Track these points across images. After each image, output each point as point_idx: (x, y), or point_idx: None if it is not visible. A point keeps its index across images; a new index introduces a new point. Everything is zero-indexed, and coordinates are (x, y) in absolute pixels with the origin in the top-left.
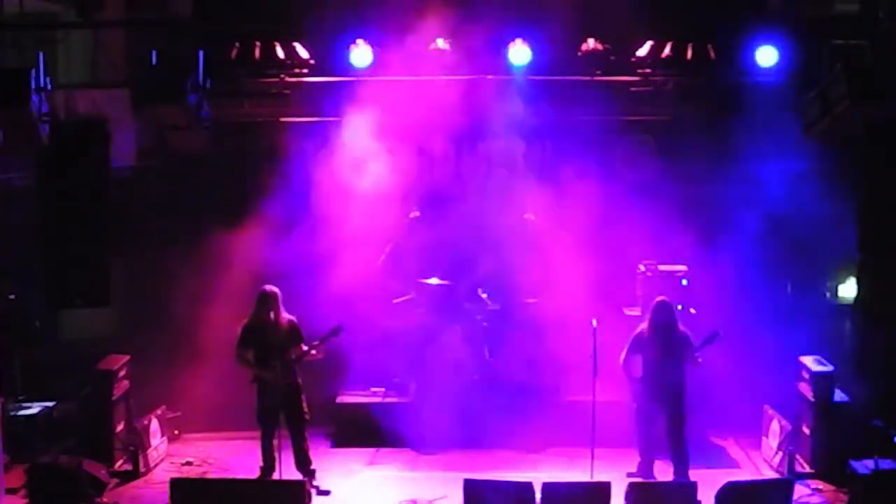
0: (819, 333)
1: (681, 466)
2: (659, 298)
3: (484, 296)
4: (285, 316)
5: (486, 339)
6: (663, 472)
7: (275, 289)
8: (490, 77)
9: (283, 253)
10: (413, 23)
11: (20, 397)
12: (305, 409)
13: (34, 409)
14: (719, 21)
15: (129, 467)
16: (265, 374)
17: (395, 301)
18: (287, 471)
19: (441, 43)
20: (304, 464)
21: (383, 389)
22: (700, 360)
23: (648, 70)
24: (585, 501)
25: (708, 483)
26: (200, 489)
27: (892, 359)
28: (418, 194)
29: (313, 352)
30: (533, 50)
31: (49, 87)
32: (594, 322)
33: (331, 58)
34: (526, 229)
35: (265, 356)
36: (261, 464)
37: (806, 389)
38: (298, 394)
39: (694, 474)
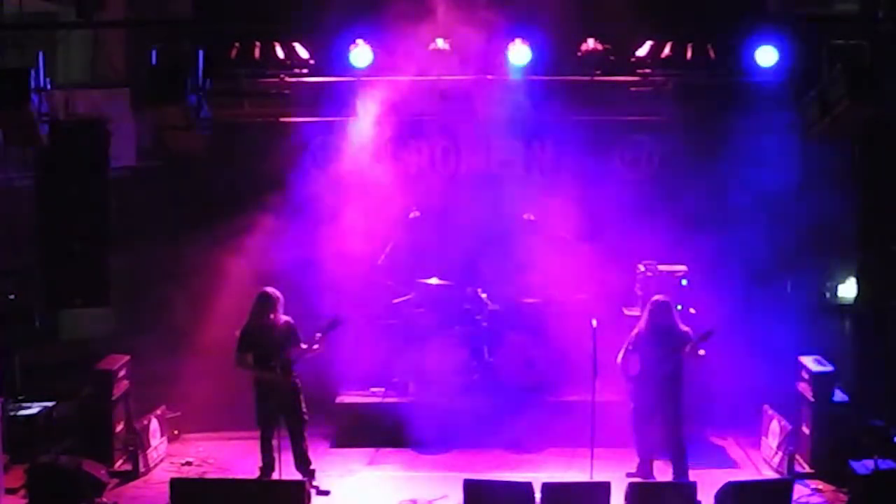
0: (819, 333)
1: (680, 466)
2: (656, 297)
3: (484, 296)
4: (282, 318)
5: (486, 339)
6: (663, 472)
7: (276, 292)
8: (490, 77)
9: (283, 253)
10: (413, 23)
11: (20, 397)
12: (304, 410)
13: (34, 409)
14: (719, 21)
15: (128, 467)
16: (267, 376)
17: (395, 301)
18: (287, 471)
19: (441, 43)
20: (303, 464)
21: (383, 389)
22: (702, 352)
23: (648, 70)
24: (585, 501)
25: (708, 483)
26: (200, 489)
27: (891, 359)
28: (418, 194)
29: (315, 346)
30: (533, 50)
31: (49, 87)
32: (594, 322)
33: (331, 58)
34: (526, 229)
35: (265, 358)
36: (260, 464)
37: (806, 389)
38: (297, 394)
39: (694, 474)
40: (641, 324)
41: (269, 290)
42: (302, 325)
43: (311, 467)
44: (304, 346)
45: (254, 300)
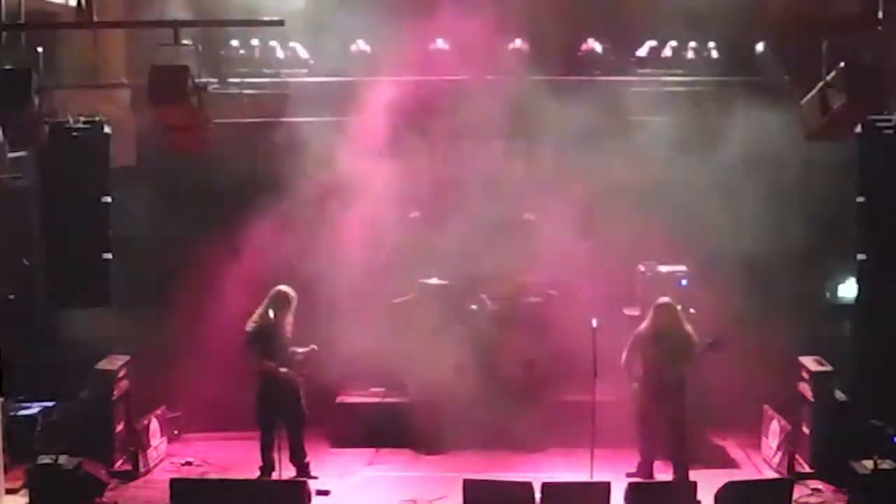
0: (819, 333)
1: (680, 466)
2: (661, 300)
3: (484, 296)
4: (290, 318)
5: (486, 339)
6: (663, 472)
7: (292, 291)
8: (490, 77)
9: (283, 253)
10: (413, 22)
11: (20, 397)
12: (303, 404)
13: (34, 409)
14: (719, 21)
15: (128, 467)
16: (272, 371)
17: (395, 301)
18: (287, 471)
19: (441, 43)
20: (298, 457)
21: (383, 389)
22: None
23: (648, 70)
24: (585, 501)
25: (708, 483)
26: (200, 489)
27: (892, 359)
28: (418, 194)
29: (313, 347)
30: (533, 50)
31: (49, 87)
32: (594, 322)
33: (330, 58)
34: (526, 229)
35: (270, 354)
36: (260, 464)
37: (806, 389)
38: (298, 392)
39: (694, 474)
40: (646, 324)
41: (286, 289)
42: (301, 325)
43: (307, 460)
44: (307, 347)
45: (268, 296)
